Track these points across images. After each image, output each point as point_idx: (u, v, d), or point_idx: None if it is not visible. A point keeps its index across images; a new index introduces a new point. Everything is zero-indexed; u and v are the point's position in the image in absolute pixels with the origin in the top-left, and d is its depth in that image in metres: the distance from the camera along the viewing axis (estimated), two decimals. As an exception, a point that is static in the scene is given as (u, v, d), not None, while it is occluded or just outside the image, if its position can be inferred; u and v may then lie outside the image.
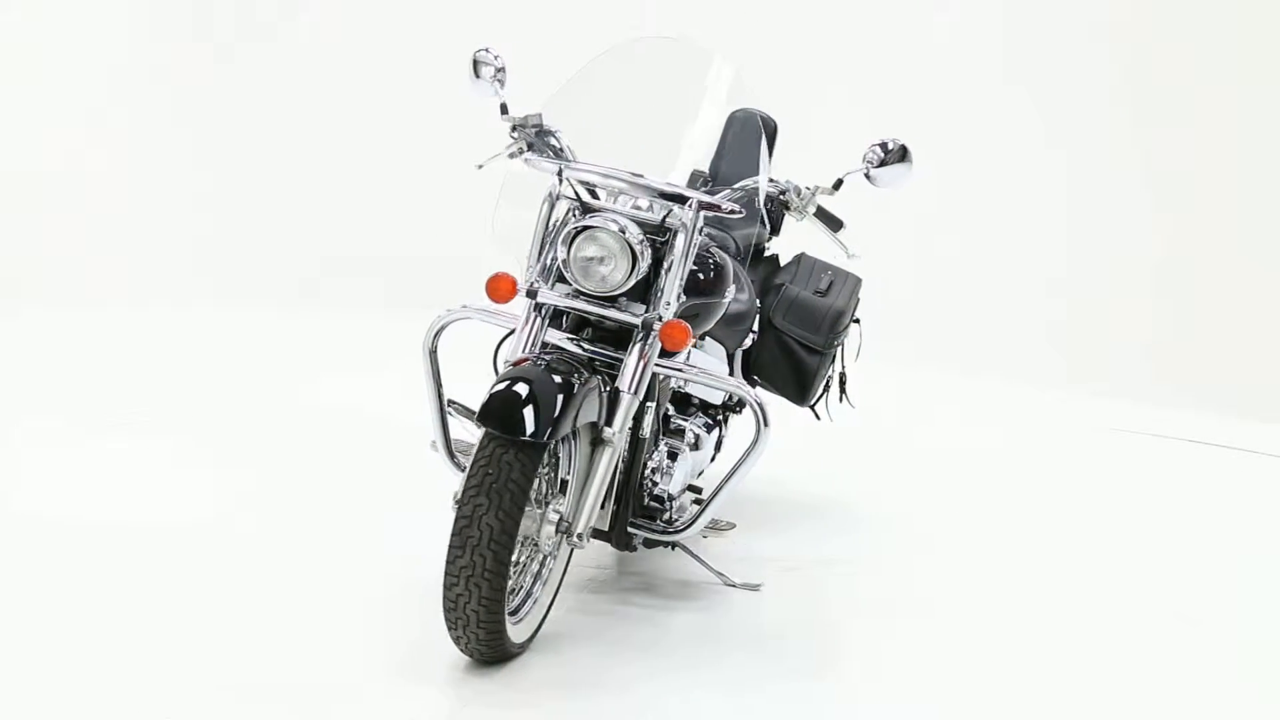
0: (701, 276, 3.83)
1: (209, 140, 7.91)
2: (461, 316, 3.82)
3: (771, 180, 3.89)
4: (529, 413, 3.36)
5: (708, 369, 3.89)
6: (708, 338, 4.33)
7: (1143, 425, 6.11)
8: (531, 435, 3.33)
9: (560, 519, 3.59)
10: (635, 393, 3.62)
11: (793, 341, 4.54)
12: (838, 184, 3.88)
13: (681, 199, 3.63)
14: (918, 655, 3.91)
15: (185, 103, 7.94)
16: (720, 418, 4.47)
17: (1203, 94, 7.01)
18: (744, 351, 4.59)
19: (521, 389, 3.40)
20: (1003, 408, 6.34)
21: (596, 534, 3.87)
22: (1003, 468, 5.60)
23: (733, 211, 3.67)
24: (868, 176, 3.86)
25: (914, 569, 4.55)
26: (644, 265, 3.59)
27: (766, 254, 4.81)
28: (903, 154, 3.89)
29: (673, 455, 4.09)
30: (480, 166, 3.84)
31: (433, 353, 3.88)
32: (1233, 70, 6.97)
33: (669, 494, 3.96)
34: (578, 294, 3.66)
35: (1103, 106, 7.22)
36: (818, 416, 4.79)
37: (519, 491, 3.33)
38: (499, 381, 3.43)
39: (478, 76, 3.83)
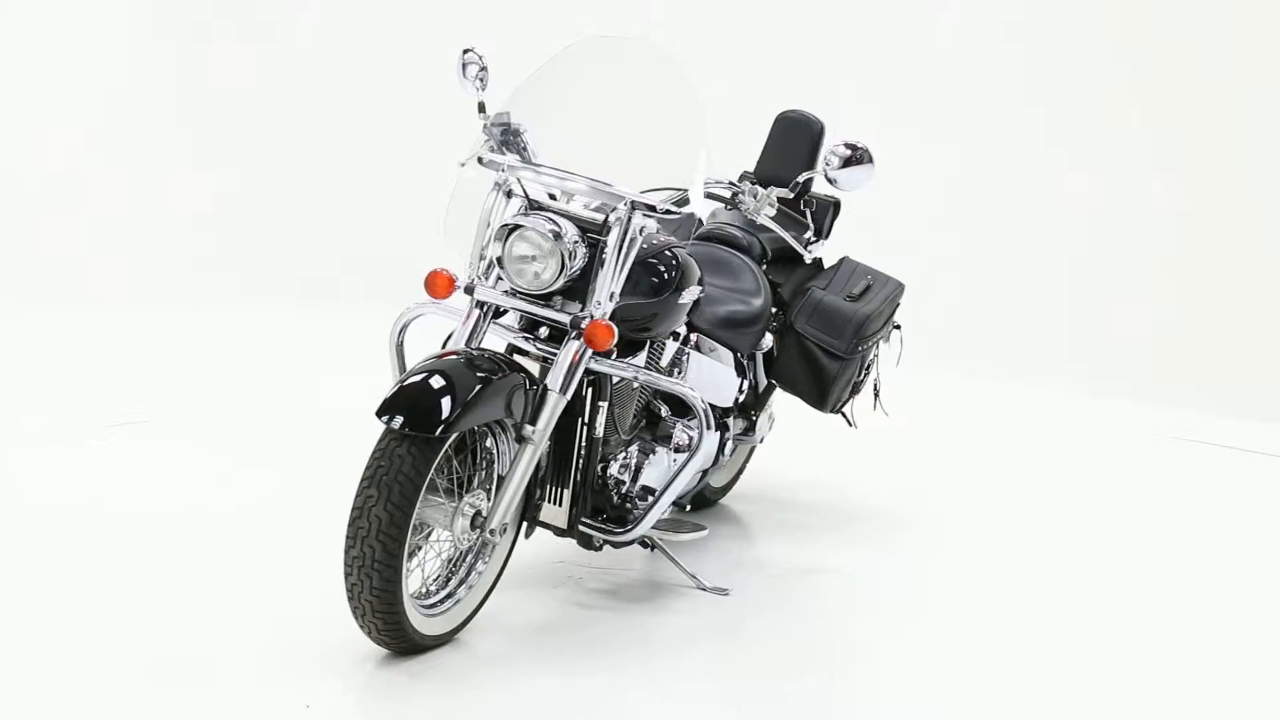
0: (655, 276, 3.84)
1: (209, 140, 7.91)
2: (417, 314, 3.86)
3: (726, 182, 3.89)
4: (426, 408, 3.39)
5: (650, 369, 3.90)
6: (713, 341, 4.34)
7: (1157, 427, 6.10)
8: (423, 429, 3.36)
9: (476, 514, 3.61)
10: (563, 392, 3.64)
11: (814, 346, 4.51)
12: (793, 186, 3.91)
13: (640, 201, 3.66)
14: (912, 658, 3.91)
15: (185, 103, 7.94)
16: (727, 421, 4.44)
17: (1209, 92, 7.01)
18: (765, 354, 4.58)
19: (423, 384, 3.43)
20: (1006, 408, 6.34)
21: (560, 533, 3.92)
22: (1006, 469, 5.60)
23: (668, 211, 3.69)
24: (828, 178, 3.89)
25: (913, 571, 4.55)
26: (574, 265, 3.62)
27: (810, 257, 4.74)
28: (865, 157, 3.90)
29: (644, 453, 4.09)
30: (463, 164, 3.87)
31: (399, 347, 3.91)
32: (1242, 67, 6.97)
33: (635, 494, 3.97)
34: (514, 292, 3.71)
35: (1107, 105, 7.22)
36: (849, 423, 4.79)
37: (409, 485, 3.36)
38: (405, 375, 3.47)
39: (464, 76, 3.88)
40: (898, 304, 4.72)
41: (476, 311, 3.76)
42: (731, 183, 3.92)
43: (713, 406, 4.37)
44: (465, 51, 3.89)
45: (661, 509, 3.89)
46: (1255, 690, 3.85)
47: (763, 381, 4.66)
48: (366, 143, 7.90)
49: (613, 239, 3.65)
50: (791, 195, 3.92)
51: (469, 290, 3.73)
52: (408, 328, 3.93)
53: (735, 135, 7.59)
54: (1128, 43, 7.22)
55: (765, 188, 4.52)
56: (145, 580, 4.06)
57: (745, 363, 4.50)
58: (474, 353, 3.60)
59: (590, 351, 3.64)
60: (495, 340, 3.85)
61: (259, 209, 7.79)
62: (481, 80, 3.88)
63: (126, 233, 7.57)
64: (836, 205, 4.80)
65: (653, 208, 3.67)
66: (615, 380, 3.87)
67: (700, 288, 4.07)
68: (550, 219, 3.66)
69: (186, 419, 5.51)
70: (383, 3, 8.14)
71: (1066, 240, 7.21)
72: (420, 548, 3.65)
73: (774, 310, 4.59)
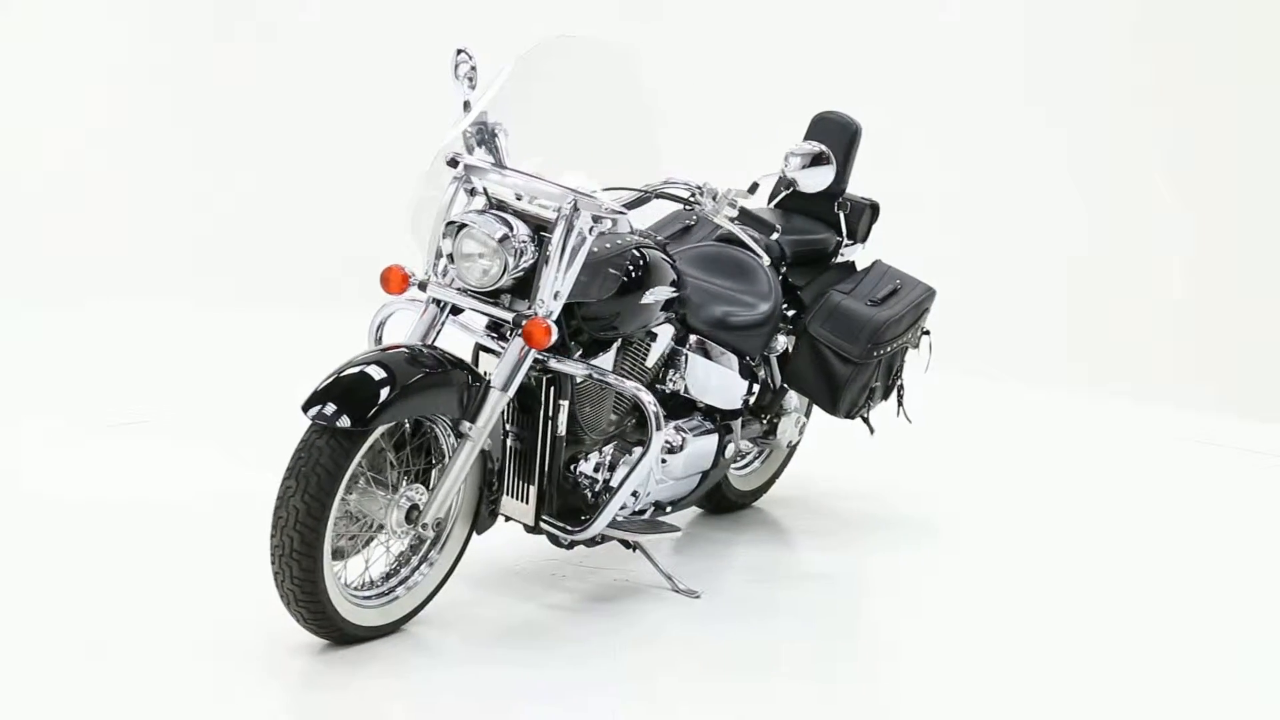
0: (618, 275, 3.85)
1: (209, 140, 7.90)
2: (394, 310, 3.93)
3: (683, 183, 3.89)
4: (347, 402, 3.44)
5: (605, 367, 3.91)
6: (716, 344, 4.33)
7: (1159, 428, 6.09)
8: (340, 423, 3.42)
9: (413, 507, 3.65)
10: (505, 389, 3.65)
11: (827, 350, 4.46)
12: (753, 187, 3.91)
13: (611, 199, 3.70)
14: (895, 661, 3.92)
15: (185, 103, 7.93)
16: (731, 423, 4.41)
17: (1212, 91, 7.00)
18: (780, 356, 4.55)
19: (348, 378, 3.49)
20: (1006, 409, 6.33)
21: (529, 529, 3.96)
22: (1006, 470, 5.58)
23: (617, 212, 3.71)
24: (788, 178, 3.90)
25: (907, 573, 4.55)
26: (519, 264, 3.65)
27: (841, 260, 4.73)
28: (825, 158, 3.92)
29: (621, 453, 4.09)
30: (450, 162, 3.91)
31: (378, 343, 3.95)
32: (1247, 65, 6.96)
33: (607, 493, 3.96)
34: (465, 289, 3.73)
35: (1109, 104, 7.21)
36: (870, 429, 4.76)
37: (327, 477, 3.42)
38: (338, 368, 3.52)
39: (455, 76, 3.92)
40: (926, 310, 4.67)
41: (433, 308, 3.79)
42: (689, 184, 3.88)
43: (716, 409, 4.38)
44: (458, 52, 3.93)
45: (615, 508, 3.89)
46: (1257, 691, 3.85)
47: (779, 384, 4.62)
48: (367, 143, 7.88)
49: (556, 237, 3.66)
50: (751, 195, 3.90)
51: (422, 286, 3.76)
52: (385, 324, 3.97)
53: (733, 135, 7.57)
54: (1130, 41, 7.20)
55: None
56: (144, 580, 4.06)
57: (754, 365, 4.46)
58: (416, 348, 3.65)
59: (523, 351, 3.65)
60: (466, 340, 3.86)
61: (259, 209, 7.77)
62: (471, 80, 3.91)
63: (126, 232, 7.55)
64: (874, 208, 4.76)
65: (599, 206, 3.68)
66: (579, 379, 3.87)
67: (672, 289, 4.06)
68: (501, 217, 3.68)
69: (186, 419, 5.50)
70: (383, 3, 8.13)
71: (1067, 240, 7.19)
72: (372, 539, 3.68)
73: (790, 313, 4.55)
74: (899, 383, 4.70)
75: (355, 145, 7.93)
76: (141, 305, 7.00)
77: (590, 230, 3.69)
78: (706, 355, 4.33)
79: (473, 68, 3.92)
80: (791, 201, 4.73)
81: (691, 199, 3.88)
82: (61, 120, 7.76)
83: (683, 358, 4.28)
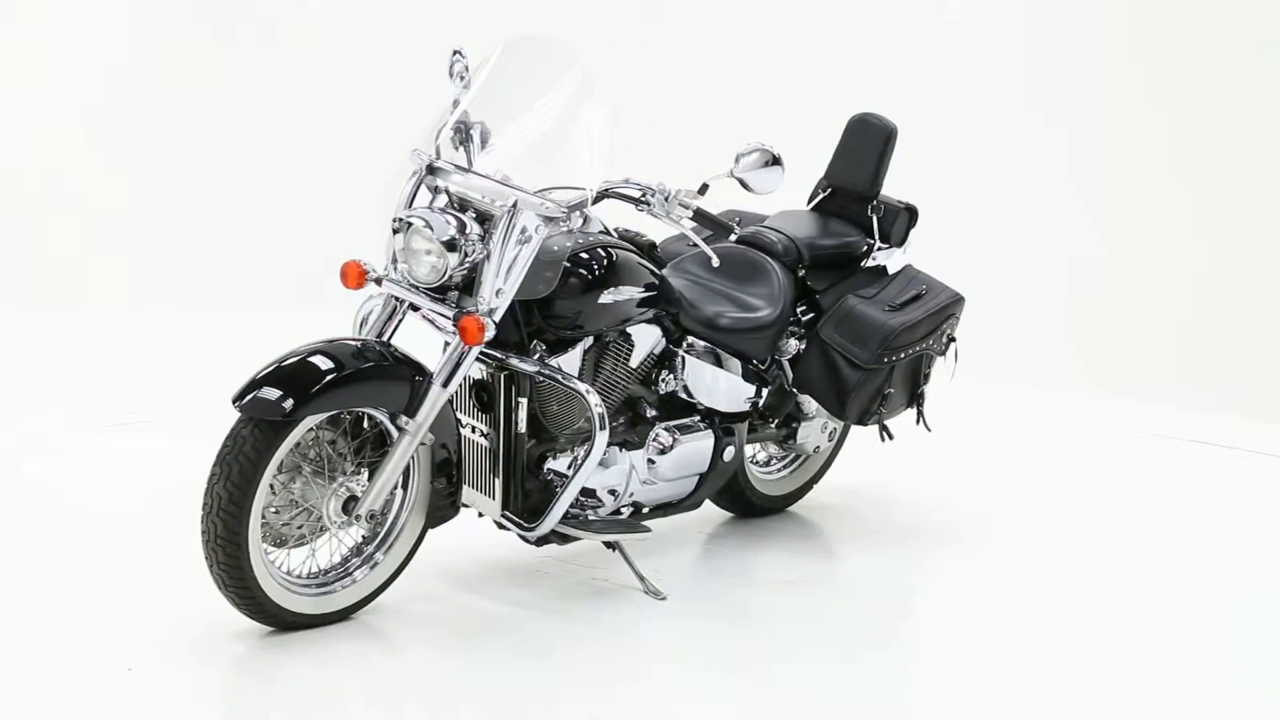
0: (576, 275, 3.89)
1: (209, 140, 7.89)
2: (379, 303, 3.95)
3: (633, 183, 3.90)
4: (272, 392, 3.54)
5: (564, 367, 3.94)
6: (715, 346, 4.32)
7: (1161, 427, 6.07)
8: (261, 413, 3.53)
9: (351, 498, 3.71)
10: (444, 385, 3.70)
11: (837, 354, 4.39)
12: (703, 188, 3.89)
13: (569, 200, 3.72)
14: (875, 667, 3.90)
15: (185, 103, 7.92)
16: (733, 426, 4.37)
17: (1214, 90, 6.98)
18: (792, 359, 4.49)
19: (276, 370, 3.59)
20: (1009, 409, 6.32)
21: (498, 525, 4.02)
22: (1008, 470, 5.56)
23: (570, 210, 3.73)
24: (737, 179, 3.89)
25: (900, 575, 4.53)
26: (461, 262, 3.69)
27: (872, 264, 4.67)
28: (773, 159, 3.90)
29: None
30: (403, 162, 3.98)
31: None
32: (1249, 64, 6.94)
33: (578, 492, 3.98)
34: (414, 285, 3.79)
35: (1112, 103, 7.20)
36: (882, 437, 4.71)
37: (249, 465, 3.52)
38: (274, 360, 3.62)
39: (451, 76, 3.97)
40: (951, 316, 4.59)
41: (393, 302, 3.85)
42: (639, 183, 3.87)
43: (716, 412, 4.36)
44: (454, 53, 3.98)
45: (564, 506, 3.90)
46: (1259, 691, 3.83)
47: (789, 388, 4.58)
48: (368, 143, 7.87)
49: (496, 236, 3.70)
50: (701, 196, 3.88)
51: (378, 282, 3.82)
52: (368, 318, 3.99)
53: (733, 135, 7.56)
54: (1130, 39, 7.19)
55: (837, 191, 4.51)
56: (143, 578, 4.05)
57: (761, 369, 4.42)
58: (362, 342, 3.73)
59: (467, 347, 3.70)
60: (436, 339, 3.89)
61: (260, 209, 7.77)
62: (464, 79, 3.96)
63: (126, 233, 7.55)
64: (911, 211, 4.71)
65: (540, 205, 3.71)
66: (540, 378, 3.91)
67: (641, 289, 4.05)
68: (455, 215, 3.75)
69: (186, 419, 5.49)
70: (383, 3, 8.12)
71: (1069, 239, 7.18)
72: (326, 529, 3.76)
73: (808, 316, 4.48)
74: (921, 390, 4.63)
75: (357, 145, 7.92)
76: (141, 305, 7.00)
77: (537, 229, 3.72)
78: (708, 357, 4.31)
79: (466, 68, 3.97)
80: (829, 205, 4.70)
81: (642, 199, 3.88)
82: (61, 120, 7.75)
83: (678, 359, 4.26)
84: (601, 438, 3.86)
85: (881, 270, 4.68)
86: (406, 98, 7.87)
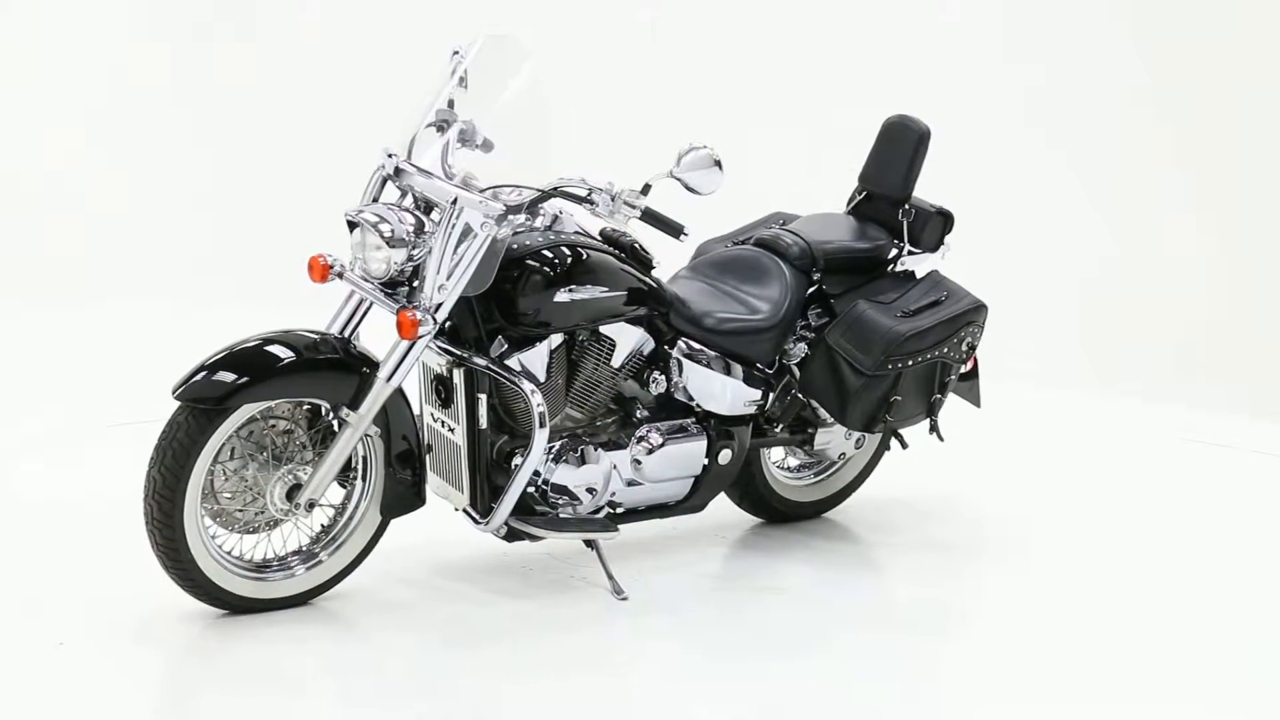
0: (537, 272, 3.91)
1: (209, 140, 7.88)
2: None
3: (580, 181, 3.92)
4: (207, 382, 3.68)
5: (529, 365, 3.96)
6: (712, 349, 4.28)
7: (1169, 427, 6.05)
8: (193, 401, 3.66)
9: (295, 485, 3.80)
10: (389, 380, 3.79)
11: (842, 359, 4.32)
12: (646, 188, 3.91)
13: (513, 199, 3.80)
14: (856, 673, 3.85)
15: (186, 103, 7.92)
16: (732, 430, 4.32)
17: (1218, 91, 6.98)
18: (800, 363, 4.42)
19: (214, 360, 3.73)
20: (1014, 409, 6.29)
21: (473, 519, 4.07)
22: (1014, 470, 5.55)
23: (507, 211, 3.78)
24: (677, 179, 3.91)
25: (892, 577, 4.51)
26: (404, 258, 3.77)
27: (900, 268, 4.59)
28: (711, 160, 3.91)
29: (569, 450, 4.08)
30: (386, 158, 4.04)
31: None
32: (1251, 64, 6.94)
33: (548, 489, 4.04)
34: (367, 279, 3.87)
35: (1115, 104, 7.20)
36: (887, 444, 4.67)
37: (182, 451, 3.65)
38: (221, 349, 3.76)
39: (450, 76, 4.04)
40: (969, 324, 4.48)
41: (356, 296, 3.93)
42: (588, 183, 3.90)
43: (713, 415, 4.32)
44: (454, 54, 4.06)
45: (511, 502, 3.94)
46: (1260, 692, 3.81)
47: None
48: (369, 143, 7.85)
49: (438, 234, 3.78)
50: (644, 196, 3.88)
51: (340, 275, 3.90)
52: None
53: (733, 135, 7.55)
54: (1132, 40, 7.19)
55: (873, 194, 4.53)
56: (143, 576, 4.03)
57: (765, 373, 4.37)
58: (321, 335, 3.84)
59: (406, 342, 3.78)
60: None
61: (260, 208, 7.76)
62: (462, 79, 4.02)
63: (126, 232, 7.54)
64: (944, 216, 4.61)
65: (483, 204, 3.76)
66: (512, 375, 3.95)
67: (606, 289, 4.04)
68: (408, 212, 3.85)
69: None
70: (383, 3, 8.11)
71: (1074, 239, 7.17)
72: (290, 514, 3.86)
73: (821, 320, 4.42)
74: (937, 398, 4.52)
75: (357, 145, 7.89)
76: (141, 305, 6.98)
77: (482, 226, 3.77)
78: (703, 359, 4.26)
79: (467, 69, 4.02)
80: (865, 208, 4.64)
81: (587, 198, 3.91)
82: (61, 120, 7.74)
83: (672, 361, 4.24)
84: (541, 435, 3.89)
85: (909, 275, 4.58)
86: (407, 97, 7.87)
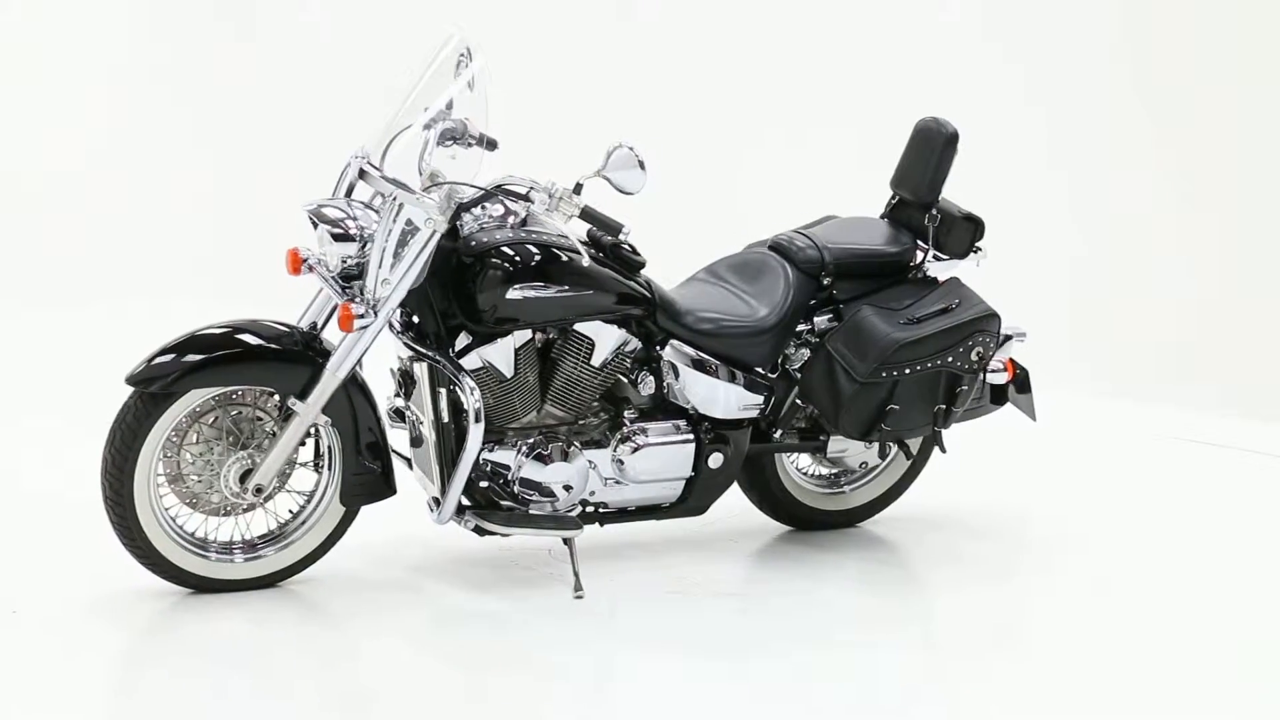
0: (494, 268, 3.94)
1: (209, 140, 7.89)
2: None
3: (523, 178, 3.93)
4: (155, 365, 3.80)
5: (494, 361, 4.00)
6: (703, 352, 4.28)
7: (1160, 428, 6.06)
8: (139, 385, 3.79)
9: (248, 471, 3.90)
10: (335, 371, 3.88)
11: (838, 365, 4.27)
12: (578, 187, 3.92)
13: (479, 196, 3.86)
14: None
15: (185, 103, 7.92)
16: (724, 434, 4.29)
17: (1211, 92, 6.97)
18: (799, 367, 4.40)
19: (166, 347, 3.84)
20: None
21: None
22: (1008, 471, 5.55)
23: (440, 208, 3.82)
24: (604, 177, 3.93)
25: (885, 577, 4.51)
26: (349, 250, 3.89)
27: (924, 274, 4.53)
28: (635, 160, 3.93)
29: (542, 446, 4.10)
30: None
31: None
32: (1246, 66, 6.94)
33: (519, 485, 4.07)
34: (329, 273, 3.96)
35: (1109, 105, 7.21)
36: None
37: (129, 433, 3.80)
38: (179, 336, 3.87)
39: (455, 77, 4.06)
40: (978, 332, 4.39)
41: (322, 288, 4.02)
42: (529, 181, 3.93)
43: (707, 418, 4.29)
44: (459, 55, 4.07)
45: (456, 494, 3.97)
46: (1261, 693, 3.83)
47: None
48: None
49: (380, 230, 3.87)
50: (577, 195, 3.89)
51: (310, 269, 3.99)
52: None
53: (733, 135, 7.56)
54: (1130, 41, 7.19)
55: (904, 199, 4.48)
56: (141, 575, 4.05)
57: (764, 377, 4.35)
58: (288, 327, 3.95)
59: (344, 334, 3.86)
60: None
61: (260, 208, 7.76)
62: (469, 83, 4.04)
63: (127, 232, 7.55)
64: (973, 221, 4.53)
65: (441, 203, 3.82)
66: (478, 369, 4.00)
67: (563, 287, 4.02)
68: (367, 207, 3.98)
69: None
70: (383, 3, 8.12)
71: (1067, 239, 7.17)
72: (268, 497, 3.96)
73: (827, 325, 4.37)
74: (942, 408, 4.41)
75: (356, 145, 7.92)
76: (141, 305, 6.99)
77: (425, 223, 3.83)
78: (690, 360, 4.26)
79: (465, 67, 4.05)
80: (899, 213, 4.59)
81: (525, 196, 3.96)
82: (61, 120, 7.75)
83: (664, 362, 4.24)
84: (476, 431, 3.92)
85: (930, 282, 4.51)
86: (379, 95, 7.88)
